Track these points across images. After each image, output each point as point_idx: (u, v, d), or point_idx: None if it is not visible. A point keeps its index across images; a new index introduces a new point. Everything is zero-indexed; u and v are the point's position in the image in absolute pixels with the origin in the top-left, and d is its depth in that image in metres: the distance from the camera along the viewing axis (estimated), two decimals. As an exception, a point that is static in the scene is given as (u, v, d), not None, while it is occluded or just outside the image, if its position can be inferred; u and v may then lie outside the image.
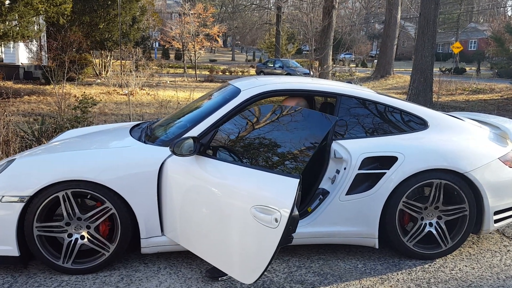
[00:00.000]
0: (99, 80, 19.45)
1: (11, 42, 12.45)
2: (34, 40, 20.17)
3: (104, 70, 23.44)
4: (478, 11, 59.31)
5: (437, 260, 3.34)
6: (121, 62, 19.34)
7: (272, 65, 27.29)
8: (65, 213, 2.98)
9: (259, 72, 28.36)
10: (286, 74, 25.53)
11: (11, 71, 17.05)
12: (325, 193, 3.27)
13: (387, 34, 25.77)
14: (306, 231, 3.23)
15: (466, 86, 19.35)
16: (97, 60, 23.17)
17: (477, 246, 3.59)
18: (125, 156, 3.05)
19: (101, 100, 13.52)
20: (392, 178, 3.18)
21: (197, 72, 28.41)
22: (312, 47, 12.18)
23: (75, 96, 11.79)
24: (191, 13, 35.36)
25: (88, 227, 3.03)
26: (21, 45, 17.84)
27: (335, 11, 22.23)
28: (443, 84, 19.17)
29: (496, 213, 3.34)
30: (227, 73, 31.61)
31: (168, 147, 2.95)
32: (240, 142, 2.75)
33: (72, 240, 3.02)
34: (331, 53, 24.31)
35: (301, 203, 3.38)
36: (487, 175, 3.28)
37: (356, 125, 3.36)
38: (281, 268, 3.17)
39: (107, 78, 17.98)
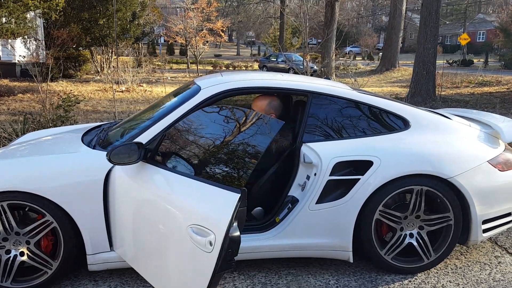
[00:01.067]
0: (98, 77, 19.21)
1: (4, 39, 12.22)
2: (32, 37, 19.99)
3: (106, 66, 23.22)
4: (486, 1, 58.22)
5: (418, 274, 3.01)
6: (117, 58, 19.08)
7: (275, 59, 26.89)
8: (1, 227, 2.69)
9: (261, 67, 27.97)
10: (288, 69, 25.10)
11: (8, 68, 16.87)
12: (295, 202, 2.95)
13: (392, 26, 25.22)
14: (273, 243, 2.92)
15: (472, 78, 18.82)
16: (98, 57, 22.91)
17: (465, 258, 3.25)
18: (66, 163, 2.76)
19: (92, 98, 13.29)
20: (366, 184, 2.85)
21: (201, 68, 28.09)
22: (306, 41, 11.78)
23: (58, 94, 11.51)
24: (194, 8, 35.08)
25: (27, 243, 2.74)
26: (18, 42, 17.63)
27: (337, 3, 21.75)
28: (448, 77, 18.69)
29: (485, 222, 3.00)
30: (230, 68, 31.25)
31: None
32: (189, 148, 2.44)
33: (10, 256, 2.73)
34: (334, 46, 23.87)
35: (269, 212, 3.07)
36: (475, 180, 2.94)
37: (329, 126, 3.03)
38: (244, 285, 2.87)
39: (107, 75, 17.75)
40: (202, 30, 32.27)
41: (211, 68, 30.79)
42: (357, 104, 3.09)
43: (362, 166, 2.87)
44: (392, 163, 2.87)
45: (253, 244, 2.91)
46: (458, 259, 3.23)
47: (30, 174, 2.69)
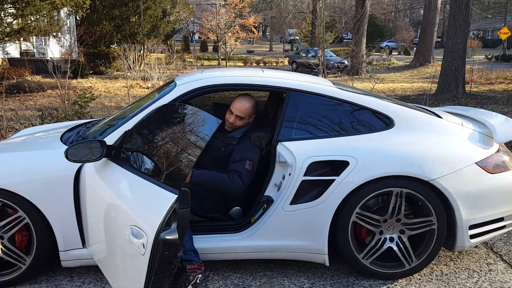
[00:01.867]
0: (129, 74, 19.58)
1: (33, 36, 12.63)
2: (65, 35, 20.62)
3: (138, 63, 23.63)
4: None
5: (399, 280, 2.87)
6: (143, 55, 19.34)
7: (305, 55, 26.57)
8: (-25, 222, 2.75)
9: (291, 63, 27.73)
10: (322, 64, 24.74)
11: (41, 65, 17.45)
12: (270, 202, 2.87)
13: (427, 20, 24.43)
14: (247, 244, 2.85)
15: (509, 74, 17.98)
16: (130, 54, 23.34)
17: (454, 264, 3.08)
18: (38, 160, 2.78)
19: (118, 94, 13.54)
20: (342, 185, 2.73)
21: (231, 64, 28.17)
22: (323, 33, 11.50)
23: (81, 90, 11.78)
24: (226, 4, 35.17)
25: (1, 238, 2.78)
26: (52, 40, 18.22)
27: (368, -2, 21.29)
28: (483, 72, 17.95)
29: (472, 227, 2.82)
30: (261, 64, 31.21)
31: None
32: (150, 145, 2.39)
33: (-16, 251, 2.79)
34: (365, 41, 23.39)
35: (246, 212, 3.01)
36: (460, 183, 2.76)
37: (306, 125, 2.93)
38: (215, 286, 2.81)
39: (133, 72, 18.07)
40: (234, 26, 32.37)
41: (242, 64, 30.83)
42: (337, 101, 2.97)
43: (338, 167, 2.75)
44: (369, 164, 2.74)
45: (227, 245, 2.85)
46: (446, 265, 3.06)
47: (4, 170, 2.73)
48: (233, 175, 2.92)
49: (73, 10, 13.50)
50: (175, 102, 2.87)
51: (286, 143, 2.85)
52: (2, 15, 10.76)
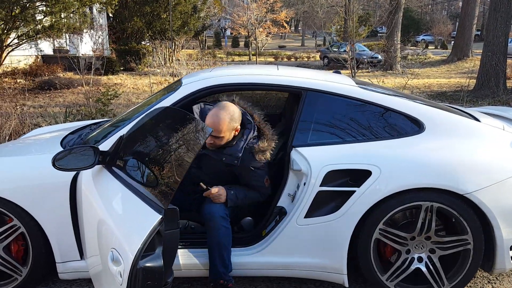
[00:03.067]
0: (158, 70, 19.59)
1: (64, 33, 12.74)
2: (99, 31, 20.84)
3: (169, 60, 23.67)
4: None
5: (428, 306, 2.53)
6: (173, 51, 19.29)
7: (337, 50, 25.97)
8: (-33, 231, 2.59)
9: (323, 58, 27.19)
10: (351, 59, 24.16)
11: (73, 62, 17.66)
12: (283, 214, 2.59)
13: (466, 12, 23.39)
14: (257, 260, 2.59)
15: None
16: (161, 49, 23.41)
17: (492, 287, 2.71)
18: (32, 165, 2.60)
19: (146, 91, 13.51)
20: (363, 198, 2.42)
21: (262, 59, 27.87)
22: (354, 28, 11.07)
23: (98, 89, 11.78)
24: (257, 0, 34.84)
25: (-4, 247, 2.62)
26: (84, 37, 18.42)
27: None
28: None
29: (514, 247, 2.46)
30: (292, 59, 30.78)
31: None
32: (143, 152, 2.15)
33: (-21, 261, 2.63)
34: (399, 34, 22.61)
35: (257, 224, 2.74)
36: (500, 197, 2.40)
37: (324, 128, 2.62)
38: (221, 306, 2.56)
39: (162, 68, 18.05)
40: (265, 21, 32.00)
41: (273, 59, 30.49)
42: (359, 102, 2.65)
43: (359, 176, 2.44)
44: (395, 174, 2.41)
45: (236, 260, 2.59)
46: (483, 288, 2.71)
47: (-2, 176, 2.56)
48: (259, 190, 2.71)
49: (103, 7, 13.53)
50: (179, 103, 2.63)
51: (301, 149, 2.55)
52: (32, 13, 10.84)
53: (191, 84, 2.69)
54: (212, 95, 2.81)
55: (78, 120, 7.38)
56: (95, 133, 2.94)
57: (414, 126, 2.60)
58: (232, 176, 2.72)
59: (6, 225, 2.60)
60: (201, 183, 2.61)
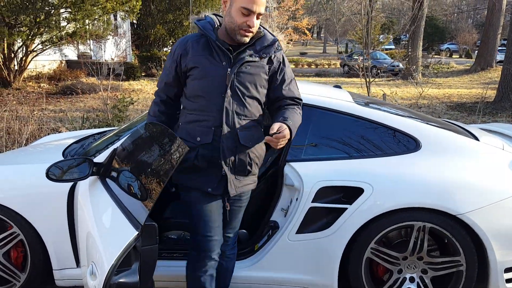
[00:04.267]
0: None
1: (87, 40, 13.02)
2: (123, 38, 21.22)
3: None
4: None
5: (420, 327, 2.50)
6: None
7: (357, 58, 25.82)
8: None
9: (343, 65, 27.06)
10: (372, 67, 23.95)
11: (97, 67, 18.04)
12: (275, 228, 2.60)
13: (490, 22, 22.98)
14: (248, 274, 2.60)
15: None
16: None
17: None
18: (32, 173, 2.67)
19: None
20: (354, 216, 2.42)
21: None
22: (368, 35, 10.99)
23: (114, 95, 11.98)
24: (280, 7, 34.95)
25: (-4, 252, 2.71)
26: (108, 43, 18.81)
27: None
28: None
29: (508, 270, 2.41)
30: (312, 66, 30.76)
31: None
32: (133, 164, 2.20)
33: (-21, 266, 2.72)
34: (421, 43, 22.32)
35: (251, 237, 2.76)
36: (495, 218, 2.37)
37: (318, 144, 2.63)
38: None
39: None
40: (287, 28, 32.05)
41: (293, 66, 30.49)
42: (354, 118, 2.64)
43: (351, 194, 2.44)
44: (388, 193, 2.40)
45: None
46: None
47: (-2, 184, 2.65)
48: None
49: (125, 15, 13.80)
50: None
51: (294, 164, 2.57)
52: (56, 19, 11.14)
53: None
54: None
55: (95, 126, 7.55)
56: (96, 143, 3.01)
57: (410, 144, 2.59)
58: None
59: (6, 232, 2.68)
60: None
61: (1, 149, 6.04)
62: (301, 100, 2.20)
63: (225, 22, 2.04)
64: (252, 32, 2.01)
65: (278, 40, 2.16)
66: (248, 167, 2.12)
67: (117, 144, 2.59)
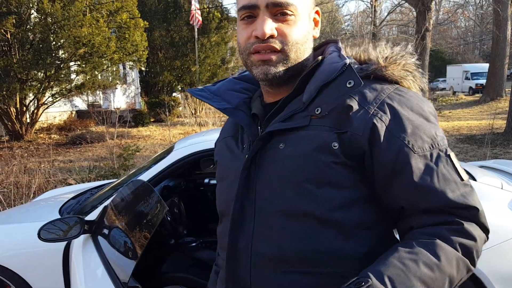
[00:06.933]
0: (187, 120, 20.17)
1: (96, 90, 13.37)
2: (132, 86, 21.82)
3: (199, 109, 24.33)
4: None
5: None
6: (197, 101, 19.82)
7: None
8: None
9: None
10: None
11: (106, 116, 18.45)
12: None
13: (496, 53, 23.17)
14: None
15: None
16: (192, 100, 24.14)
17: None
18: (28, 233, 2.67)
19: (172, 141, 13.82)
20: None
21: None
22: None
23: (121, 142, 12.14)
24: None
25: (-9, 315, 2.67)
26: (117, 91, 19.30)
27: (429, 33, 20.60)
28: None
29: (516, 317, 2.30)
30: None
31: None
32: (122, 223, 2.19)
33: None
34: (427, 76, 22.42)
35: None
36: (497, 262, 2.28)
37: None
38: None
39: (196, 117, 18.57)
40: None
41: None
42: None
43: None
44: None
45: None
46: None
47: (-6, 244, 2.66)
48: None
49: (133, 64, 14.21)
50: (169, 168, 2.68)
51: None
52: (65, 73, 11.49)
53: (182, 149, 2.75)
54: (204, 158, 2.86)
55: (102, 175, 7.61)
56: (92, 198, 3.02)
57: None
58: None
59: (3, 291, 2.67)
60: None
61: (9, 203, 6.10)
62: (477, 212, 0.95)
63: None
64: (271, 51, 0.99)
65: (351, 66, 0.96)
66: None
67: (109, 201, 2.60)
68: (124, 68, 18.88)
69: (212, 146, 2.70)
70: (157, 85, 22.58)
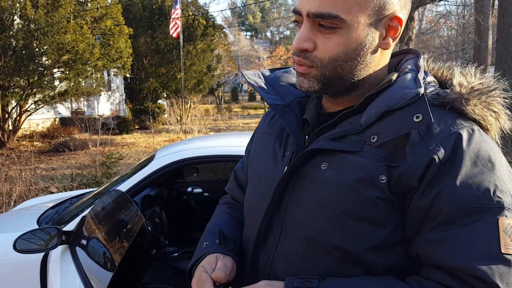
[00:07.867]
0: (172, 127, 20.07)
1: (79, 97, 13.22)
2: (116, 93, 21.66)
3: (185, 116, 24.23)
4: None
5: None
6: (189, 108, 19.77)
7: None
8: None
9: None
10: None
11: (90, 123, 18.25)
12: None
13: (478, 62, 23.49)
14: None
15: None
16: (177, 107, 24.04)
17: None
18: (4, 243, 2.60)
19: (157, 149, 13.73)
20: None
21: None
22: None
23: (104, 150, 12.03)
24: (272, 56, 35.98)
25: (-36, 329, 2.59)
26: (101, 98, 19.13)
27: (412, 42, 20.92)
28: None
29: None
30: (306, 113, 31.11)
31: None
32: (100, 233, 2.14)
33: None
34: None
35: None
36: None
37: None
38: None
39: (181, 124, 18.49)
40: (279, 76, 32.79)
41: (287, 113, 30.87)
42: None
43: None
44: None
45: None
46: None
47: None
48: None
49: (118, 71, 14.11)
50: (150, 177, 2.64)
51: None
52: (48, 80, 11.35)
53: (163, 158, 2.71)
54: (186, 167, 2.83)
55: (84, 184, 7.50)
56: (71, 208, 2.96)
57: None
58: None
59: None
60: None
61: (-11, 212, 5.96)
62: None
63: None
64: (306, 62, 0.92)
65: (425, 97, 0.85)
66: None
67: (88, 211, 2.54)
68: (108, 74, 18.75)
69: (194, 154, 2.69)
70: (142, 92, 22.44)
